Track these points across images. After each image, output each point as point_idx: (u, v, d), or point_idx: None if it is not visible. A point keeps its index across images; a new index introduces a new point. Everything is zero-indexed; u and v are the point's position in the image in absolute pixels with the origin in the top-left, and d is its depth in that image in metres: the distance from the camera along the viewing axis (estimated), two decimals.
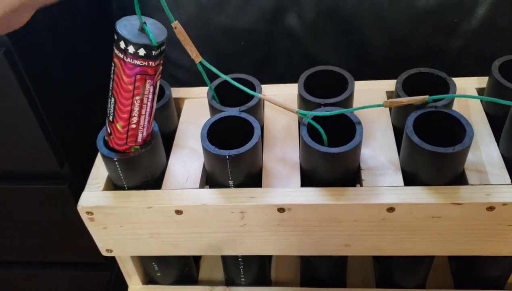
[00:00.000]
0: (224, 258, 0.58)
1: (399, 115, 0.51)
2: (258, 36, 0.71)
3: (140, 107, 0.42)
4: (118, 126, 0.43)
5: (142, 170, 0.47)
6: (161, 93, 0.52)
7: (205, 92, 0.51)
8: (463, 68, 0.69)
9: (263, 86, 0.54)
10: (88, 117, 0.68)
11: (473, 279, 0.59)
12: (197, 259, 0.67)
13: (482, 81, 0.56)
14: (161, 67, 0.41)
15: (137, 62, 0.39)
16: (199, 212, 0.47)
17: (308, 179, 0.48)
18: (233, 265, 0.57)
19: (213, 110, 0.50)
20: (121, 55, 0.39)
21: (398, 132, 0.50)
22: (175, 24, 0.44)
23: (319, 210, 0.46)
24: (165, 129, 0.53)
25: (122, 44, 0.38)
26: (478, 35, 0.67)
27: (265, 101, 0.53)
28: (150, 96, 0.42)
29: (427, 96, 0.45)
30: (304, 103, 0.50)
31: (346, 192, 0.46)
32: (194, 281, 0.64)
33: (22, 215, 0.73)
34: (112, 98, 0.42)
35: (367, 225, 0.47)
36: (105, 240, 0.51)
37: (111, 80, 0.42)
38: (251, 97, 0.50)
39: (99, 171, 0.50)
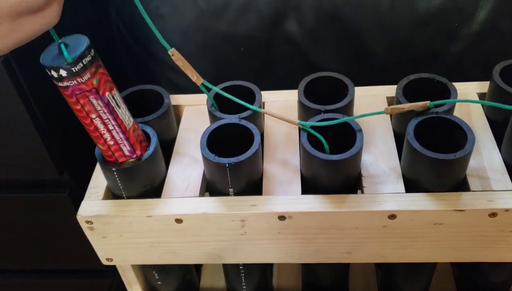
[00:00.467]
0: (225, 266, 0.58)
1: (400, 121, 0.51)
2: (258, 42, 0.70)
3: (104, 124, 0.42)
4: (100, 146, 0.44)
5: (141, 180, 0.46)
6: (160, 101, 0.52)
7: (205, 98, 0.51)
8: (464, 72, 0.69)
9: (263, 92, 0.54)
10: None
11: (476, 285, 0.59)
12: (198, 267, 0.66)
13: (483, 86, 0.56)
14: (100, 78, 0.40)
15: (66, 83, 0.38)
16: (199, 221, 0.46)
17: (309, 186, 0.47)
18: (234, 273, 0.57)
19: (212, 117, 0.50)
20: (55, 83, 0.39)
21: (399, 138, 0.50)
22: (172, 51, 0.44)
23: (320, 217, 0.46)
24: (164, 138, 0.52)
25: (48, 72, 0.38)
26: (479, 39, 0.66)
27: (265, 109, 0.52)
28: (106, 110, 0.41)
29: (429, 102, 0.45)
30: (304, 110, 0.50)
31: (347, 199, 0.45)
32: (195, 289, 0.63)
33: (22, 224, 0.72)
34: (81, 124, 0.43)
35: (369, 232, 0.46)
36: (105, 249, 0.51)
37: None
38: (252, 103, 0.49)
39: (99, 179, 0.50)
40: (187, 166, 0.51)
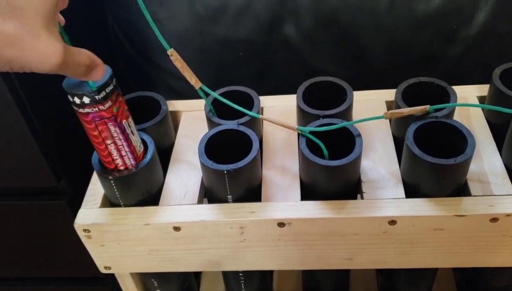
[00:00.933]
0: (225, 273, 0.57)
1: (399, 125, 0.51)
2: (256, 46, 0.70)
3: (118, 150, 0.43)
4: (107, 164, 0.45)
5: (138, 188, 0.46)
6: (157, 108, 0.51)
7: (203, 104, 0.50)
8: (463, 75, 0.69)
9: (261, 97, 0.53)
10: (85, 132, 0.68)
11: (478, 290, 0.58)
12: (197, 274, 0.66)
13: (483, 89, 0.55)
14: (119, 106, 0.41)
15: (88, 110, 0.40)
16: (197, 228, 0.46)
17: (308, 192, 0.47)
18: (234, 280, 0.57)
19: (210, 123, 0.50)
20: (75, 108, 0.40)
21: (399, 143, 0.50)
22: (171, 52, 0.43)
23: (320, 223, 0.45)
24: (162, 144, 0.52)
25: (70, 98, 0.39)
26: (478, 41, 0.66)
27: (263, 114, 0.52)
28: (122, 137, 0.43)
29: (428, 106, 0.45)
30: (303, 115, 0.50)
31: (346, 205, 0.45)
32: None
33: (20, 231, 0.72)
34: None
35: (369, 238, 0.46)
36: (103, 257, 0.50)
37: None
38: (250, 108, 0.49)
39: (96, 187, 0.49)
40: (185, 173, 0.50)
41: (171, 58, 0.44)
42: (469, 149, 0.42)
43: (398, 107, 0.48)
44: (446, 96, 0.49)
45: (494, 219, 0.43)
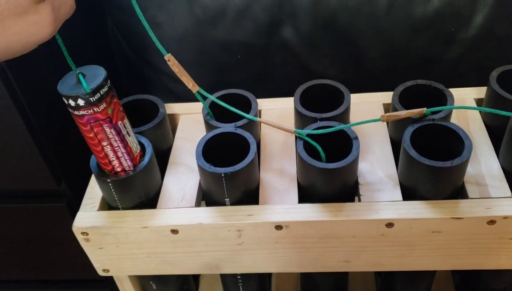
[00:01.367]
0: (223, 276, 0.57)
1: (396, 128, 0.51)
2: (255, 49, 0.70)
3: (114, 151, 0.43)
4: (104, 166, 0.45)
5: (136, 191, 0.46)
6: (155, 111, 0.51)
7: (201, 107, 0.51)
8: (462, 77, 0.69)
9: (259, 100, 0.53)
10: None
11: None
12: (196, 277, 0.66)
13: (480, 92, 0.55)
14: (114, 108, 0.42)
15: (83, 112, 0.40)
16: (195, 231, 0.46)
17: (305, 194, 0.47)
18: (232, 283, 0.57)
19: (208, 126, 0.50)
20: (70, 110, 0.40)
21: (396, 145, 0.50)
22: (168, 56, 0.44)
23: (318, 226, 0.45)
24: (160, 147, 0.52)
25: (65, 100, 0.39)
26: (476, 43, 0.66)
27: (261, 117, 0.52)
28: (117, 138, 0.43)
29: (425, 108, 0.45)
30: (300, 117, 0.50)
31: (344, 207, 0.45)
32: None
33: (20, 234, 0.72)
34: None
35: (366, 241, 0.46)
36: (102, 260, 0.50)
37: None
38: (248, 111, 0.49)
39: (94, 190, 0.50)
40: (183, 176, 0.50)
41: (168, 63, 0.44)
42: (466, 152, 0.42)
43: (395, 110, 0.48)
44: (443, 99, 0.49)
45: (491, 222, 0.43)
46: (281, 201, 0.47)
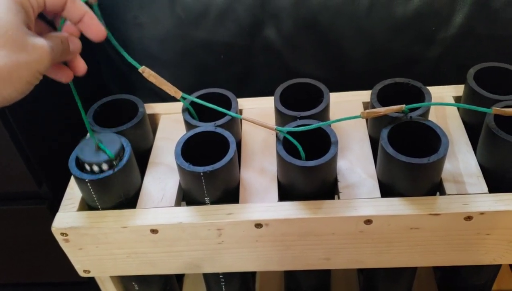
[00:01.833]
0: (206, 276, 0.57)
1: (375, 126, 0.51)
2: (237, 49, 0.70)
3: None
4: None
5: (116, 191, 0.46)
6: (134, 110, 0.51)
7: (182, 106, 0.50)
8: (442, 76, 0.69)
9: (240, 100, 0.53)
10: (65, 136, 0.67)
11: (457, 287, 0.59)
12: (180, 277, 0.66)
13: (459, 89, 0.56)
14: None
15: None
16: (175, 231, 0.46)
17: (285, 193, 0.47)
18: (214, 282, 0.57)
19: (188, 126, 0.50)
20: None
21: (375, 143, 0.50)
22: (142, 69, 0.44)
23: (297, 224, 0.45)
24: (140, 147, 0.52)
25: (87, 167, 0.44)
26: (456, 42, 0.67)
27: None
28: None
29: (404, 105, 0.45)
30: (280, 116, 0.50)
31: (323, 205, 0.45)
32: None
33: (1, 237, 0.71)
34: None
35: (346, 238, 0.46)
36: (82, 260, 0.50)
37: None
38: (228, 110, 0.49)
39: (74, 191, 0.49)
40: (163, 176, 0.50)
41: (144, 75, 0.44)
42: (442, 148, 0.43)
43: (374, 108, 0.49)
44: (421, 97, 0.49)
45: (468, 217, 0.44)
46: (261, 200, 0.47)
